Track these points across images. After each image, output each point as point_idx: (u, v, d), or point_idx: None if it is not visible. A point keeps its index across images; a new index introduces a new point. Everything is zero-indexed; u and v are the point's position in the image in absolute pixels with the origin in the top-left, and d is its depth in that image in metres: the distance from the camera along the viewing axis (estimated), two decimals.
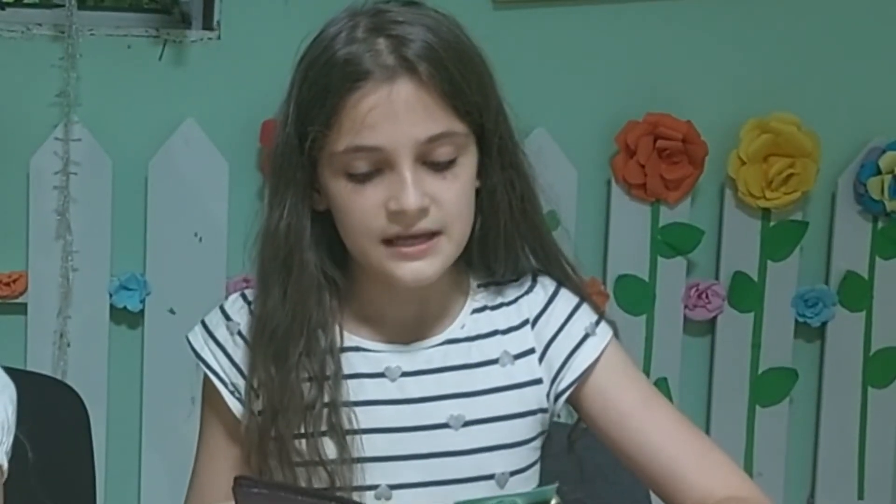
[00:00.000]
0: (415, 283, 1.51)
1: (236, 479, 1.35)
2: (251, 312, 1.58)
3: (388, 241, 1.50)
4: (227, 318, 1.60)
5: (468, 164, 1.52)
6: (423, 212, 1.48)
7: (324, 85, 1.49)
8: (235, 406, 1.58)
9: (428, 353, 1.57)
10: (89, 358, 2.85)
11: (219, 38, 2.86)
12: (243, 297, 1.60)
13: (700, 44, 3.00)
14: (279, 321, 1.54)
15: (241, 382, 1.57)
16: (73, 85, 2.78)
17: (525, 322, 1.60)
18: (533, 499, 1.34)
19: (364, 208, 1.49)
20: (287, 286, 1.54)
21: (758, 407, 3.09)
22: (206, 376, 1.60)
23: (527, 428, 1.59)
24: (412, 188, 1.47)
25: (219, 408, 1.59)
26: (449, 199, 1.50)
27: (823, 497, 3.16)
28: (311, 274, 1.54)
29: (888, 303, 3.11)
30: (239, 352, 1.58)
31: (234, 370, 1.58)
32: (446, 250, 1.52)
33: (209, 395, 1.61)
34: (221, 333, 1.59)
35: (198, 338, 1.60)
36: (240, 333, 1.58)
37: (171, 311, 2.87)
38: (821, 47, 3.04)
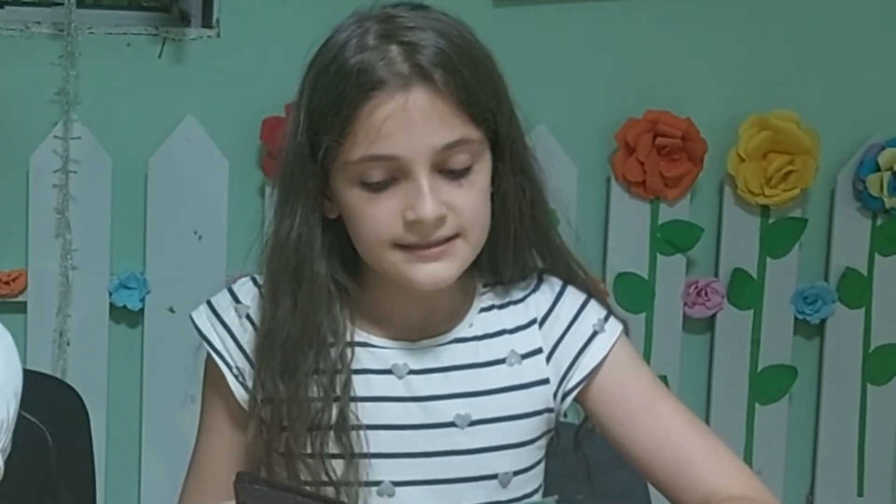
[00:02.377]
0: (431, 286, 1.51)
1: (238, 475, 1.35)
2: (261, 296, 1.56)
3: (404, 246, 1.49)
4: (237, 300, 1.58)
5: (484, 170, 1.51)
6: (440, 220, 1.47)
7: (336, 94, 1.47)
8: (239, 391, 1.56)
9: (435, 352, 1.57)
10: (89, 357, 2.85)
11: (218, 35, 2.86)
12: (253, 280, 1.59)
13: (700, 41, 3.00)
14: (289, 332, 1.53)
15: (246, 367, 1.56)
16: (73, 83, 2.78)
17: (532, 321, 1.60)
18: None
19: (379, 217, 1.48)
20: (297, 297, 1.52)
21: (757, 404, 3.10)
22: (209, 358, 1.58)
23: (533, 428, 1.59)
24: (429, 197, 1.46)
25: (222, 391, 1.58)
26: (466, 206, 1.49)
27: (823, 494, 3.16)
28: (322, 284, 1.53)
29: (887, 300, 3.11)
30: (246, 336, 1.56)
31: (240, 354, 1.57)
32: (463, 253, 1.51)
33: (212, 378, 1.59)
34: (229, 316, 1.58)
35: (203, 319, 1.59)
36: (248, 317, 1.57)
37: (171, 310, 2.86)
38: (820, 44, 3.04)
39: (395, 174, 1.48)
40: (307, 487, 1.52)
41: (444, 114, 1.47)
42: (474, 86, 1.48)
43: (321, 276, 1.53)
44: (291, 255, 1.53)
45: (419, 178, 1.47)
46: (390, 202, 1.48)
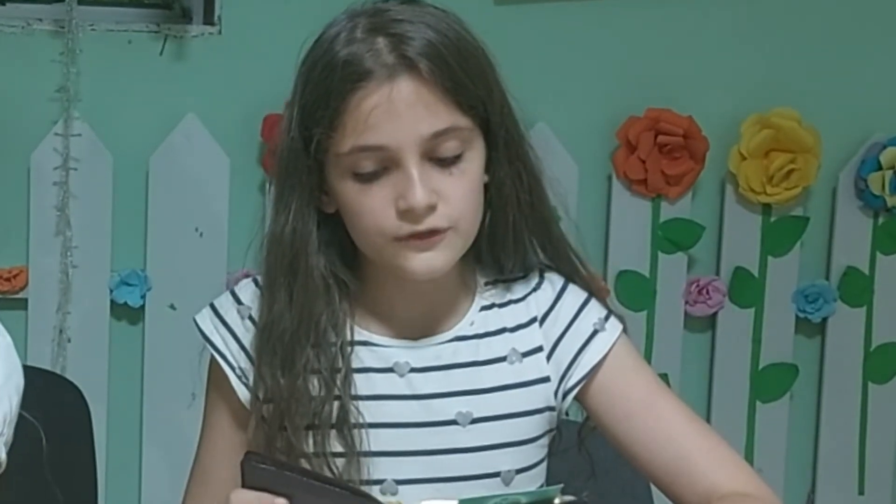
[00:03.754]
0: (426, 275, 1.51)
1: (246, 455, 1.37)
2: (262, 296, 1.57)
3: (400, 239, 1.50)
4: (239, 301, 1.59)
5: (475, 158, 1.52)
6: (431, 208, 1.48)
7: (326, 87, 1.49)
8: (242, 391, 1.57)
9: (437, 350, 1.58)
10: (90, 354, 2.85)
11: (220, 32, 2.85)
12: (255, 282, 1.60)
13: (701, 39, 3.00)
14: (286, 326, 1.54)
15: (249, 368, 1.57)
16: (74, 80, 2.78)
17: (533, 320, 1.60)
18: (536, 497, 1.34)
19: (373, 208, 1.49)
20: (293, 290, 1.54)
21: (758, 402, 3.09)
22: (213, 360, 1.60)
23: (534, 426, 1.59)
24: (419, 185, 1.47)
25: (225, 392, 1.59)
26: (457, 194, 1.50)
27: (824, 493, 3.16)
28: (317, 278, 1.54)
29: (889, 298, 3.11)
30: (249, 336, 1.58)
31: (242, 355, 1.58)
32: (456, 243, 1.52)
33: (216, 379, 1.61)
34: (232, 317, 1.59)
35: (206, 321, 1.60)
36: (250, 318, 1.58)
37: (172, 307, 2.86)
38: (822, 43, 3.03)
39: (386, 164, 1.49)
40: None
41: (429, 102, 1.48)
42: (462, 75, 1.49)
43: (317, 270, 1.54)
44: (287, 249, 1.54)
45: (409, 166, 1.48)
46: (382, 192, 1.49)
